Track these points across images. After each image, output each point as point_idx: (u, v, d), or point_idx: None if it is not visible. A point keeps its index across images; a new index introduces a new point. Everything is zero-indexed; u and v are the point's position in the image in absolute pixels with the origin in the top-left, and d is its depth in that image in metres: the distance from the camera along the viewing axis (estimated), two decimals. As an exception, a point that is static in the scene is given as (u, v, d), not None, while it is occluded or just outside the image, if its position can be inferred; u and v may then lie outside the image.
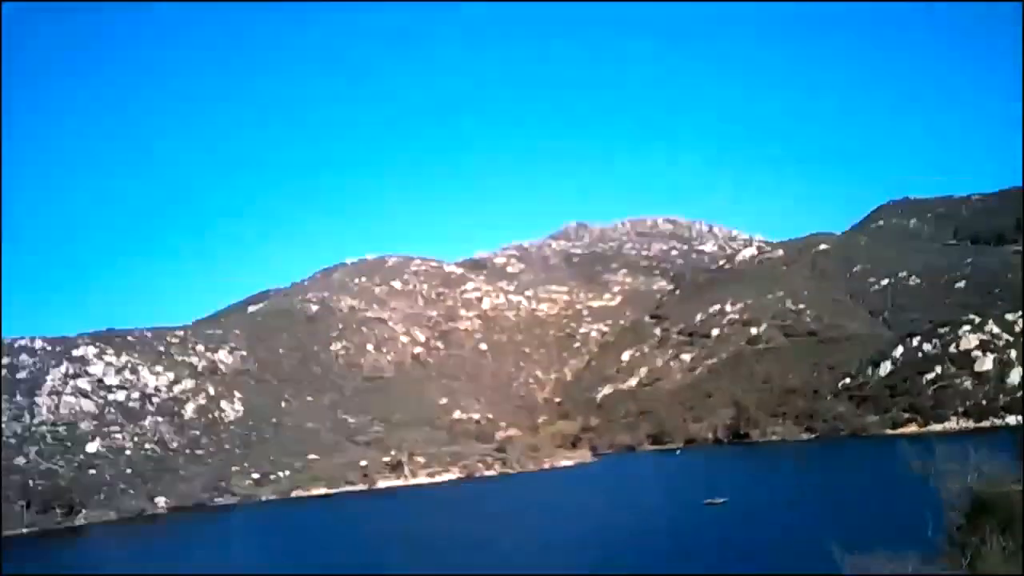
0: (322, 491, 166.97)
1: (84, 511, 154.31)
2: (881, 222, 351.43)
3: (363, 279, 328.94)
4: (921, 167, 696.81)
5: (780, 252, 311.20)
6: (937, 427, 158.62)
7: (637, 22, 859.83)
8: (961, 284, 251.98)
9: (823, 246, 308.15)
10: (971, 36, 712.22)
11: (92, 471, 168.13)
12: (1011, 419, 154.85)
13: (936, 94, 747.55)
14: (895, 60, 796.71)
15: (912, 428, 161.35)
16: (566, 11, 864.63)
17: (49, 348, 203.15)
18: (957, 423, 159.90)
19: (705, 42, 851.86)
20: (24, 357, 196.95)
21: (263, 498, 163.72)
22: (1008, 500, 35.52)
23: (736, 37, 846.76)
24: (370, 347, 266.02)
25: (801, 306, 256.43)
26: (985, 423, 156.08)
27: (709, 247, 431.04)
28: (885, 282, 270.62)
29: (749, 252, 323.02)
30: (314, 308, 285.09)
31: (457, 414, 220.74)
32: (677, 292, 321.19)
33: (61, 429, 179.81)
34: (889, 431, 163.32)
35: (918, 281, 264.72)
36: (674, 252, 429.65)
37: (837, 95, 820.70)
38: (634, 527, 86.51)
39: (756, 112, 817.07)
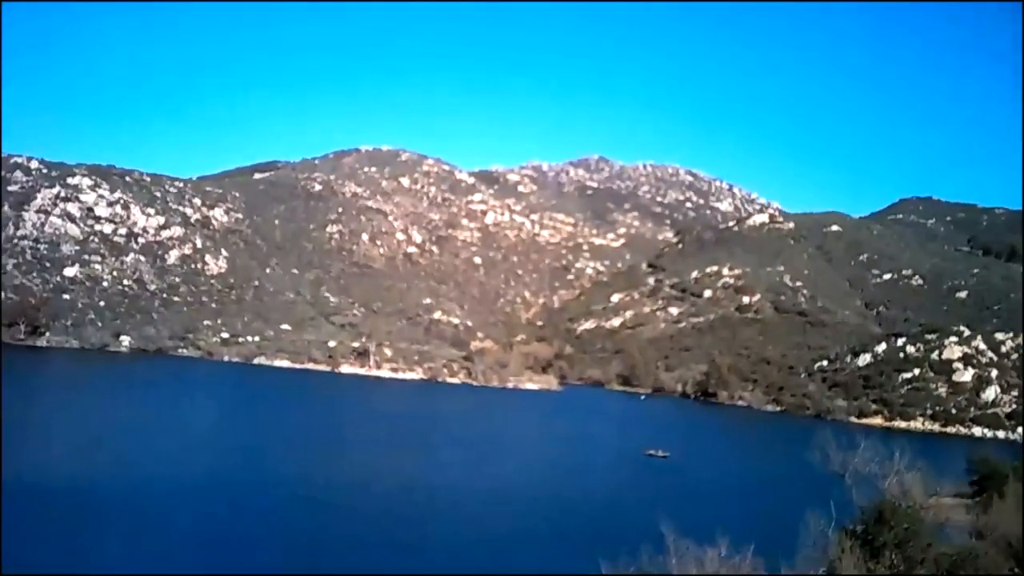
0: (285, 364, 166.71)
1: (48, 334, 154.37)
2: (900, 215, 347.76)
3: (373, 169, 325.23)
4: (952, 170, 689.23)
5: (791, 225, 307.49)
6: (902, 424, 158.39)
7: None
8: (963, 294, 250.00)
9: (835, 227, 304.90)
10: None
11: (65, 296, 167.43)
12: (976, 430, 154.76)
13: (984, 104, 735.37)
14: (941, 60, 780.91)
15: (878, 420, 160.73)
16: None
17: (45, 171, 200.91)
18: (923, 424, 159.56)
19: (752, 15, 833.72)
20: (18, 174, 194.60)
21: (225, 358, 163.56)
22: (911, 518, 33.97)
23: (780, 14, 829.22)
24: (365, 236, 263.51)
25: (798, 284, 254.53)
26: (950, 429, 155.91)
27: (724, 206, 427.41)
28: (887, 276, 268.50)
29: (761, 219, 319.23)
30: (317, 187, 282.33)
31: (437, 315, 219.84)
32: (680, 246, 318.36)
33: (42, 247, 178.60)
34: (854, 419, 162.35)
35: (921, 282, 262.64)
36: (688, 204, 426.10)
37: (882, 84, 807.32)
38: (565, 465, 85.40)
39: (799, 88, 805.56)
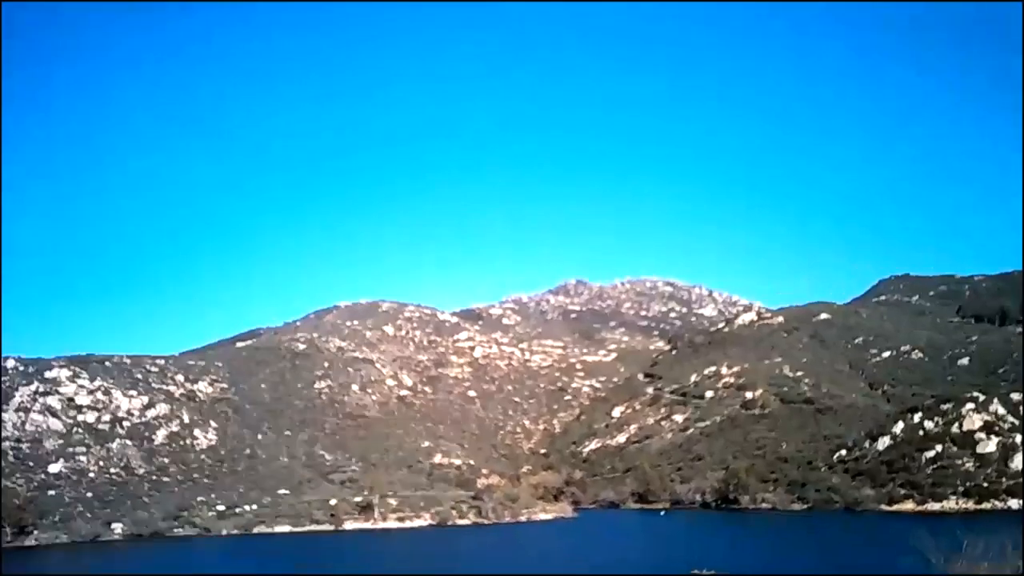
0: (286, 529, 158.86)
1: (36, 532, 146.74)
2: (883, 297, 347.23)
3: (355, 322, 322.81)
4: (924, 244, 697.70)
5: (780, 319, 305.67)
6: (935, 506, 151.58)
7: (646, 88, 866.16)
8: (964, 361, 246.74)
9: (824, 315, 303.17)
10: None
11: (52, 491, 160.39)
12: (1013, 503, 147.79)
13: (944, 172, 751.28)
14: (902, 134, 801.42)
15: (909, 505, 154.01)
16: (581, 66, 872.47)
17: (22, 368, 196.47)
18: (956, 503, 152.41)
19: (717, 108, 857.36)
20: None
21: (224, 532, 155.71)
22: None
23: (745, 105, 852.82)
24: (355, 387, 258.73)
25: (799, 373, 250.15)
26: (986, 505, 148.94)
27: (708, 311, 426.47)
28: (887, 354, 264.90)
29: (748, 317, 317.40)
30: (302, 346, 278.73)
31: (438, 458, 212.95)
32: (673, 352, 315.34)
33: (24, 447, 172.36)
34: (885, 507, 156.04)
35: (920, 356, 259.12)
36: (672, 314, 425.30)
37: (844, 167, 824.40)
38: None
39: (763, 180, 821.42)
